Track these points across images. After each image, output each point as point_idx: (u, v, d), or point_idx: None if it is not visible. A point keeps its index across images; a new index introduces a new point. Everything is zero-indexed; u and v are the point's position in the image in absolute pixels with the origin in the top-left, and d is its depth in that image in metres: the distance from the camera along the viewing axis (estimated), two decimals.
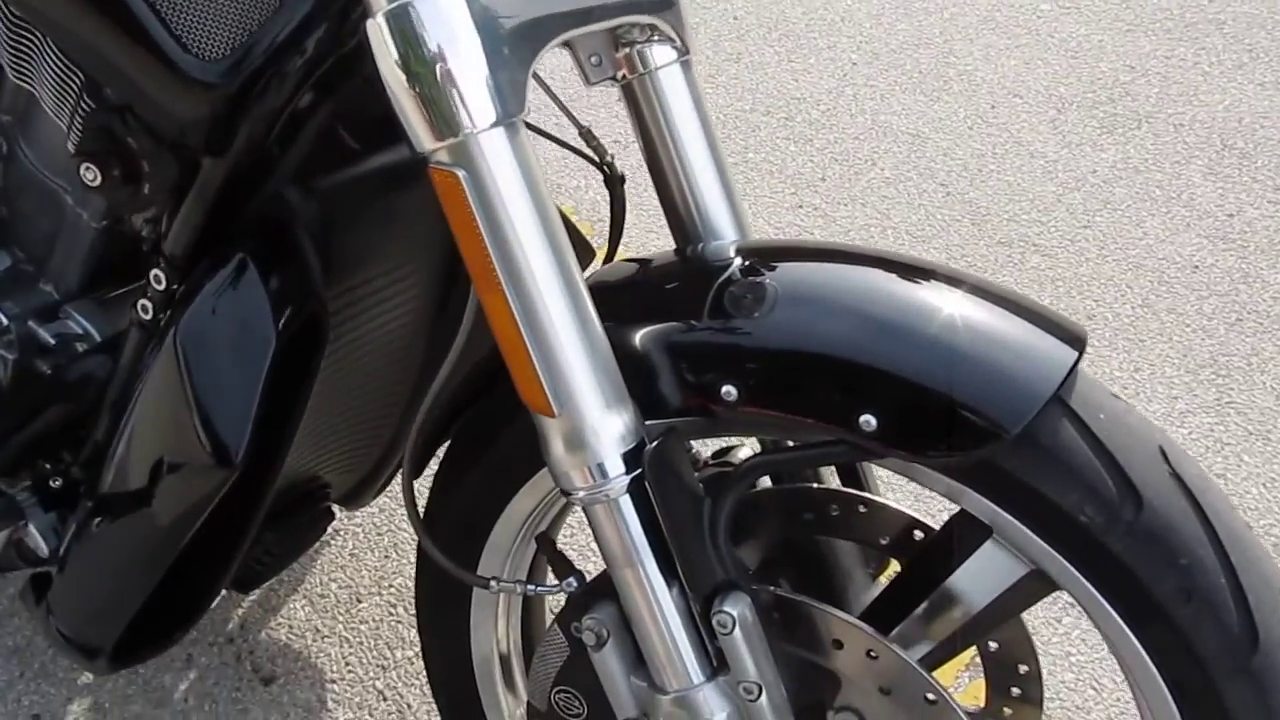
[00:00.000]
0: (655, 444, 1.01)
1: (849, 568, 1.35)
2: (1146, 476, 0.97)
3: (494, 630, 1.39)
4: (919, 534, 1.26)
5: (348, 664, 1.86)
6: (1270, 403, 2.40)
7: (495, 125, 0.93)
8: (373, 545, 2.05)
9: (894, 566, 1.37)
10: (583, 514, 1.04)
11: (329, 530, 1.72)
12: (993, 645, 1.20)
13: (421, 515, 1.20)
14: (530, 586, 1.18)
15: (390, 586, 1.98)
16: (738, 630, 1.02)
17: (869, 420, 0.96)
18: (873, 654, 1.07)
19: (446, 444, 1.26)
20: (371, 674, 1.85)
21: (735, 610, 1.02)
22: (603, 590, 1.13)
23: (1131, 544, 0.96)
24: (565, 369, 0.97)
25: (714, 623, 1.03)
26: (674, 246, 1.21)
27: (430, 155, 0.94)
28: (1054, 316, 1.02)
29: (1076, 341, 0.99)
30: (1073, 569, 0.99)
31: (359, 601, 1.95)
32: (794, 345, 1.00)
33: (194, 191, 1.15)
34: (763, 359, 1.01)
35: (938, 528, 1.24)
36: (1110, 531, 0.96)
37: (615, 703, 1.12)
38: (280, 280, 1.15)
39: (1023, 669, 1.28)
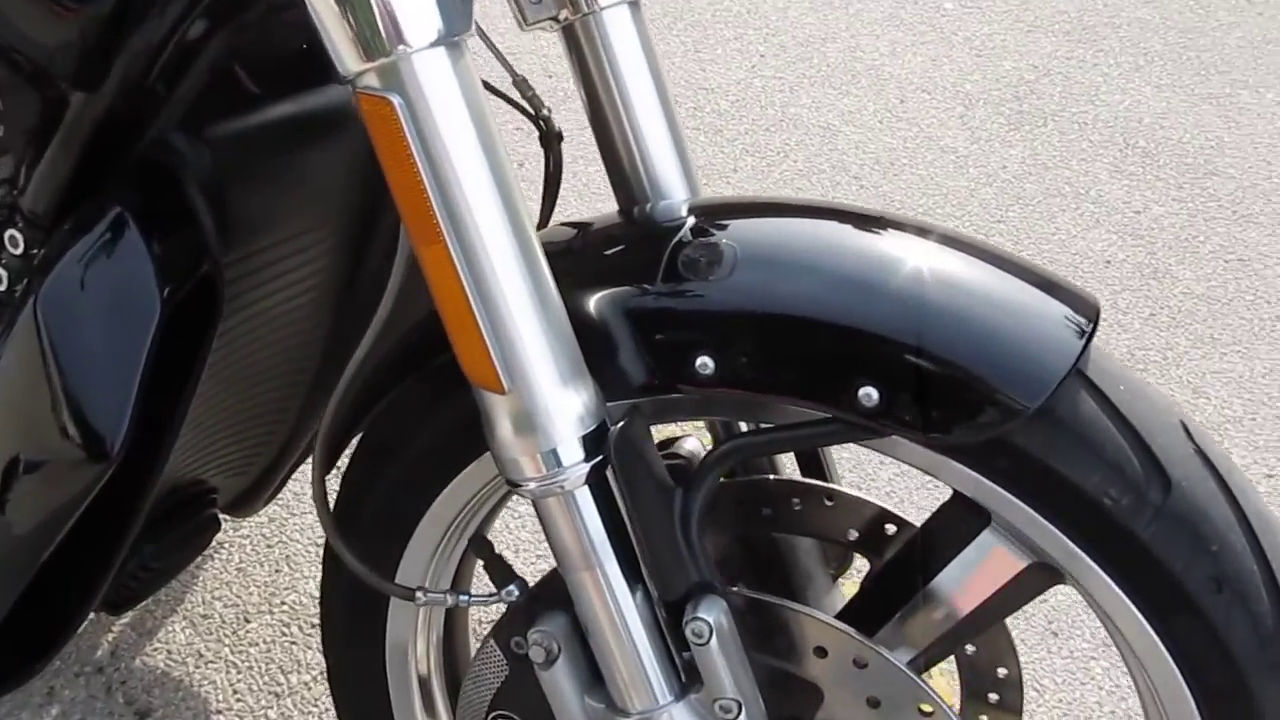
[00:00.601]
0: (621, 425, 0.87)
1: (809, 568, 1.23)
2: (1172, 454, 0.87)
3: (412, 648, 1.23)
4: (891, 528, 1.15)
5: (235, 692, 1.67)
6: (1186, 396, 2.38)
7: (436, 44, 0.78)
8: (262, 559, 1.85)
9: (857, 566, 1.25)
10: (519, 508, 0.90)
11: (213, 542, 1.53)
12: (969, 648, 1.09)
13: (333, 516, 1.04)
14: (464, 597, 1.03)
15: (282, 604, 1.79)
16: (714, 640, 0.89)
17: (869, 394, 0.84)
18: (860, 662, 0.95)
19: (361, 434, 1.10)
20: (263, 703, 1.66)
21: (711, 617, 0.89)
22: (550, 598, 0.98)
23: (1160, 529, 0.85)
24: (517, 335, 0.83)
25: (687, 632, 0.89)
26: (617, 208, 1.08)
27: (357, 80, 0.79)
28: (1063, 282, 0.91)
29: (1090, 309, 0.88)
30: (1086, 558, 0.88)
31: (247, 622, 1.76)
32: (777, 308, 0.87)
33: (60, 135, 0.97)
34: (741, 325, 0.87)
35: (913, 521, 1.13)
36: (1137, 515, 0.85)
37: None
38: (166, 241, 0.97)
39: (1001, 673, 1.18)
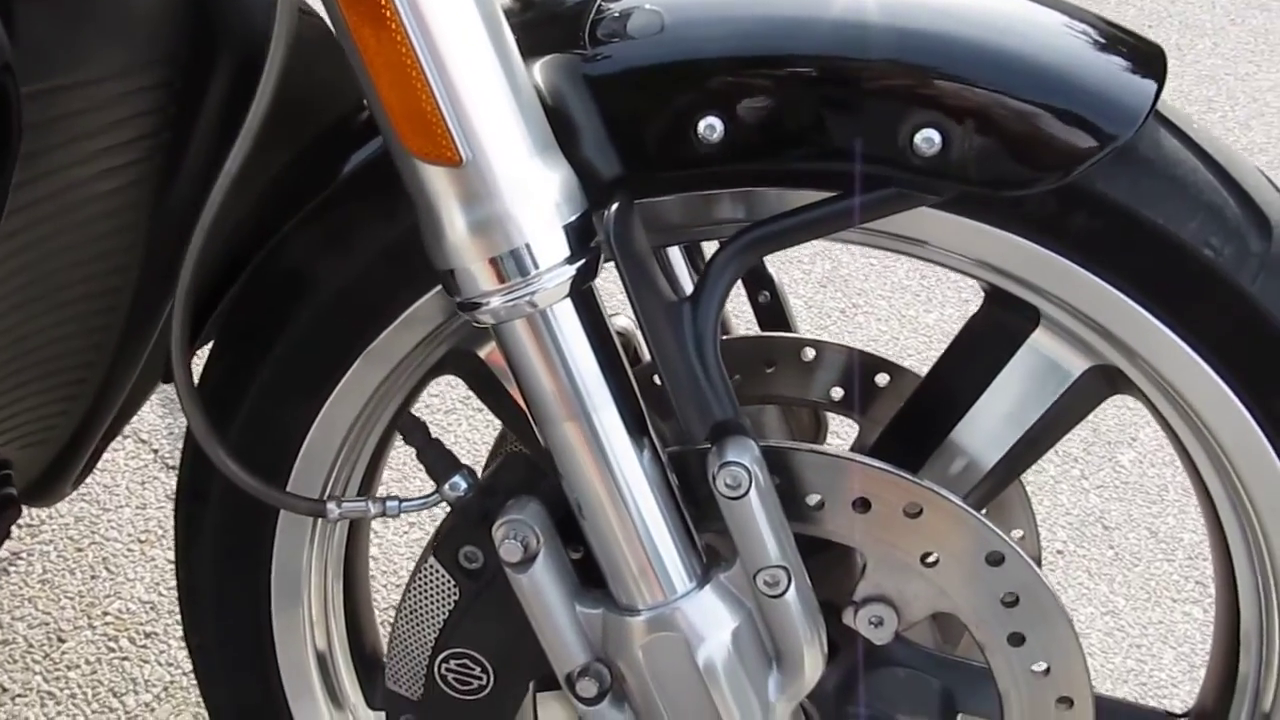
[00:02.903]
0: (616, 208, 0.65)
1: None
2: (1266, 196, 0.73)
3: (304, 619, 0.96)
4: (884, 378, 0.97)
5: None
6: None
7: None
8: (72, 566, 1.52)
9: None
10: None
11: (8, 535, 1.21)
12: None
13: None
14: (393, 502, 0.78)
15: (105, 615, 1.46)
16: (754, 490, 0.68)
17: (930, 138, 0.65)
18: (911, 510, 0.76)
19: (230, 307, 0.84)
20: None
21: (746, 460, 0.68)
22: (511, 486, 0.75)
23: (1267, 281, 0.71)
24: (476, 83, 0.60)
25: (719, 484, 0.68)
26: None
27: None
28: (1126, 29, 0.75)
29: (1157, 54, 0.72)
30: (1172, 336, 0.73)
31: (62, 642, 1.43)
32: (788, 45, 0.68)
33: None
34: (755, 68, 0.67)
35: (905, 366, 0.96)
36: (1242, 267, 0.70)
37: (553, 650, 0.74)
38: None
39: (1017, 534, 1.02)
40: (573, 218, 0.64)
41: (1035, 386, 0.81)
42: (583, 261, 0.64)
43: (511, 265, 0.63)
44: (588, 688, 0.74)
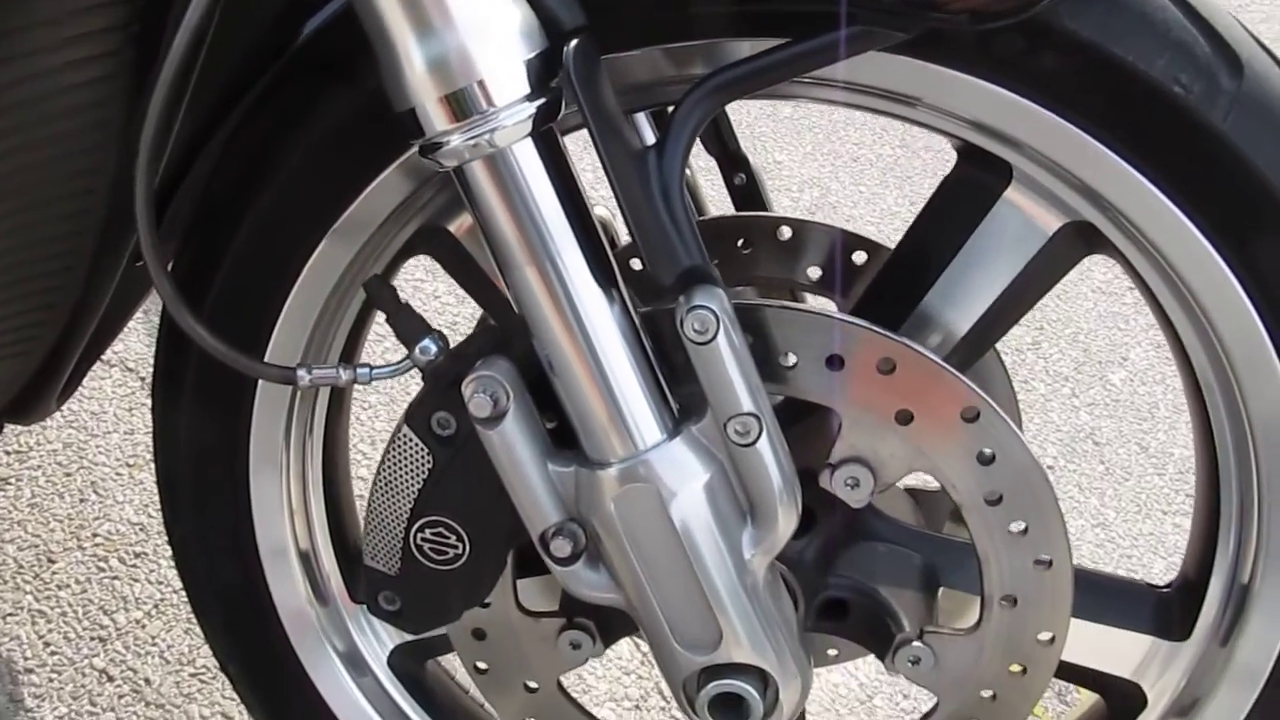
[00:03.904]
0: (577, 46, 0.64)
1: None
2: (1235, 35, 0.72)
3: (283, 507, 0.96)
4: (862, 256, 0.97)
5: (48, 644, 1.34)
6: None
7: None
8: (61, 490, 1.52)
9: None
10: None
11: None
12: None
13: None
14: (363, 369, 0.78)
15: (94, 537, 1.46)
16: (722, 334, 0.68)
17: None
18: (885, 366, 0.76)
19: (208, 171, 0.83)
20: (87, 651, 1.34)
21: (714, 304, 0.68)
22: (484, 348, 0.75)
23: (1239, 119, 0.70)
24: None
25: (687, 328, 0.68)
26: None
27: None
28: None
29: None
30: (1144, 182, 0.72)
31: (52, 563, 1.43)
32: None
33: None
34: None
35: (882, 243, 0.95)
36: (1212, 104, 0.69)
37: (526, 509, 0.74)
38: None
39: None
40: (531, 54, 0.63)
41: (1010, 246, 0.80)
42: (543, 100, 0.64)
43: (469, 101, 0.62)
44: (561, 547, 0.73)
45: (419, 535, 0.80)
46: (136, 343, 1.71)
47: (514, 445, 0.72)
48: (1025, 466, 0.78)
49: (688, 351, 0.69)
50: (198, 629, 1.11)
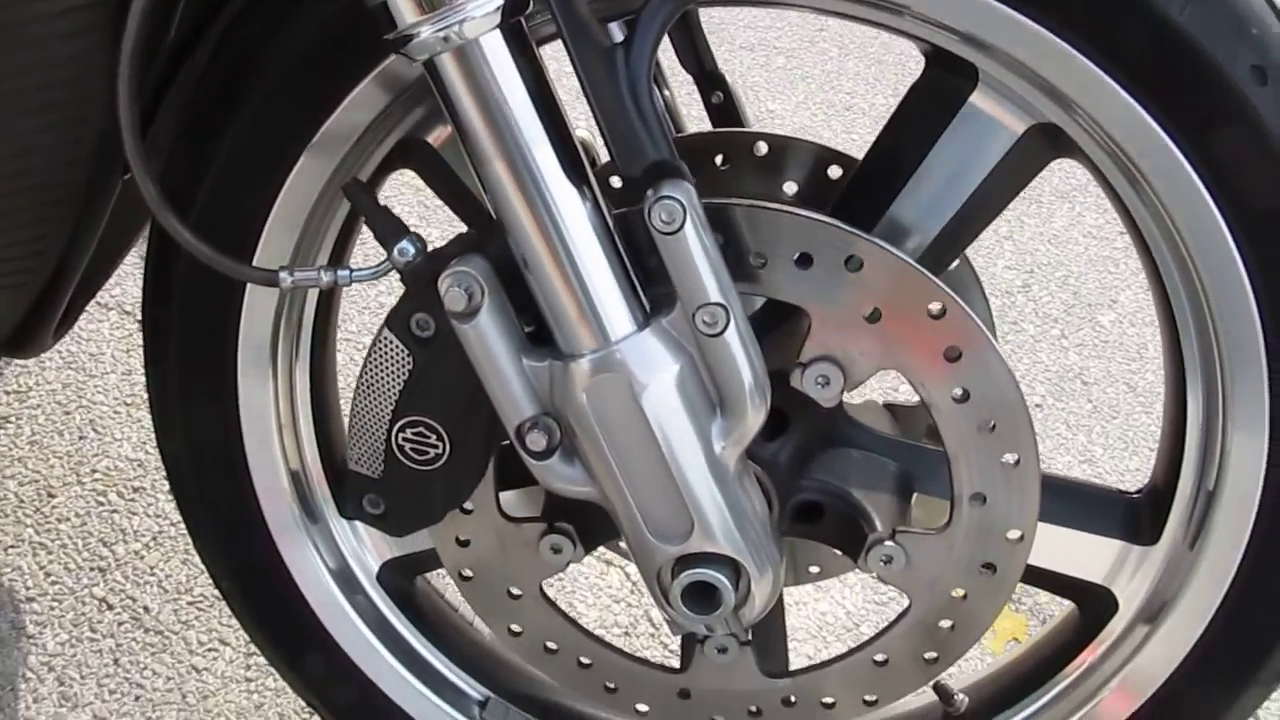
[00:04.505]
0: None
1: None
2: None
3: (272, 423, 0.98)
4: (837, 171, 0.98)
5: (50, 574, 1.37)
6: None
7: None
8: (60, 428, 1.54)
9: None
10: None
11: None
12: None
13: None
14: (344, 272, 0.80)
15: (93, 473, 1.49)
16: (689, 223, 0.69)
17: None
18: (854, 263, 0.78)
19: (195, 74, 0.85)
20: (86, 580, 1.37)
21: (681, 195, 0.69)
22: (458, 247, 0.77)
23: (1194, 11, 0.71)
24: None
25: (654, 218, 0.69)
26: None
27: None
28: None
29: None
30: (1103, 77, 0.73)
31: (52, 497, 1.46)
32: None
33: None
34: None
35: (858, 158, 0.96)
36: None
37: (502, 403, 0.76)
38: None
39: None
40: None
41: (976, 150, 0.81)
42: None
43: None
44: (537, 440, 0.75)
45: (400, 436, 0.82)
46: (133, 287, 1.73)
47: (489, 339, 0.74)
48: (992, 364, 0.80)
49: (656, 243, 0.70)
50: (195, 560, 1.13)
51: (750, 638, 0.92)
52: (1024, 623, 1.44)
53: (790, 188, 0.98)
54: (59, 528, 1.42)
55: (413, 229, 0.77)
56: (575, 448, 0.76)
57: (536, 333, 0.77)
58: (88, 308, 1.67)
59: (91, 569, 1.38)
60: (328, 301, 0.98)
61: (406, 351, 0.80)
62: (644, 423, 0.73)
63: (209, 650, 1.31)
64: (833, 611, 1.43)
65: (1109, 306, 1.97)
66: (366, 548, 1.06)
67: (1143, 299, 1.96)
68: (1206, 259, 0.79)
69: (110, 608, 1.34)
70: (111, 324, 1.69)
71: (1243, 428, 0.84)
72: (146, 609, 1.34)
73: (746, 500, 0.78)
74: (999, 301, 1.95)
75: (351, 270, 0.80)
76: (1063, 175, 2.25)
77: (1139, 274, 1.94)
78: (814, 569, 1.16)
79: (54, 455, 1.50)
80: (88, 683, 1.27)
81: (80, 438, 1.53)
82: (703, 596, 0.78)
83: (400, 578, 1.08)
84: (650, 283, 0.75)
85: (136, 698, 1.26)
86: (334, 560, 1.05)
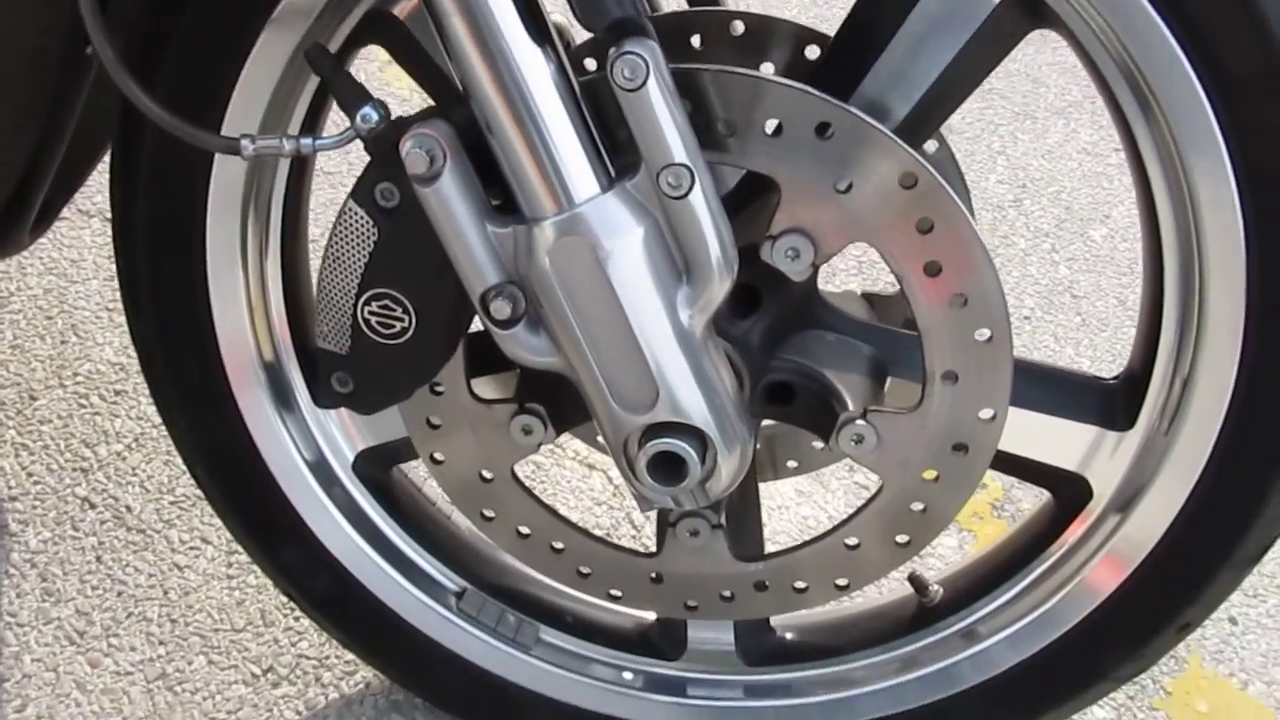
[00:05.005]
0: None
1: None
2: None
3: (242, 306, 0.97)
4: (815, 50, 0.96)
5: (32, 475, 1.37)
6: (1028, 86, 2.29)
7: None
8: (42, 332, 1.54)
9: None
10: None
11: None
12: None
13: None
14: (307, 141, 0.78)
15: (75, 376, 1.49)
16: (652, 79, 0.68)
17: None
18: (824, 129, 0.76)
19: None
20: (69, 481, 1.37)
21: (645, 51, 0.68)
22: (422, 114, 0.75)
23: None
24: None
25: (616, 75, 0.68)
26: None
27: None
28: None
29: None
30: None
31: (34, 399, 1.45)
32: None
33: None
34: None
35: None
36: None
37: (465, 270, 0.75)
38: None
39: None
40: None
41: (953, 19, 0.80)
42: None
43: None
44: (501, 309, 0.75)
45: (366, 310, 0.81)
46: None
47: (451, 203, 0.73)
48: (965, 237, 0.79)
49: (619, 101, 0.69)
50: (178, 461, 1.13)
51: (722, 521, 0.92)
52: (1005, 529, 1.44)
53: (768, 68, 0.96)
54: (41, 429, 1.42)
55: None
56: (540, 316, 0.76)
57: (505, 206, 0.76)
58: (69, 215, 1.66)
59: (74, 469, 1.38)
60: (299, 184, 0.96)
61: (371, 222, 0.79)
62: (608, 287, 0.72)
63: (190, 548, 1.31)
64: (815, 515, 1.44)
65: (1101, 221, 1.95)
66: (342, 438, 1.06)
67: (1135, 215, 1.94)
68: (1188, 133, 0.77)
69: (93, 507, 1.35)
70: (94, 231, 1.68)
71: (1219, 308, 0.83)
72: (129, 508, 1.35)
73: (714, 371, 0.77)
74: (990, 215, 1.93)
75: (315, 138, 0.79)
76: (1058, 91, 2.22)
77: (1132, 190, 1.92)
78: (792, 463, 1.16)
79: (36, 359, 1.50)
80: (70, 579, 1.27)
81: (62, 342, 1.52)
82: (669, 467, 0.78)
83: (376, 468, 1.07)
84: (619, 154, 0.74)
85: (119, 593, 1.27)
86: (309, 449, 1.04)
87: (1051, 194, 1.99)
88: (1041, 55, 2.32)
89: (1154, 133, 0.80)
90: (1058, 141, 2.12)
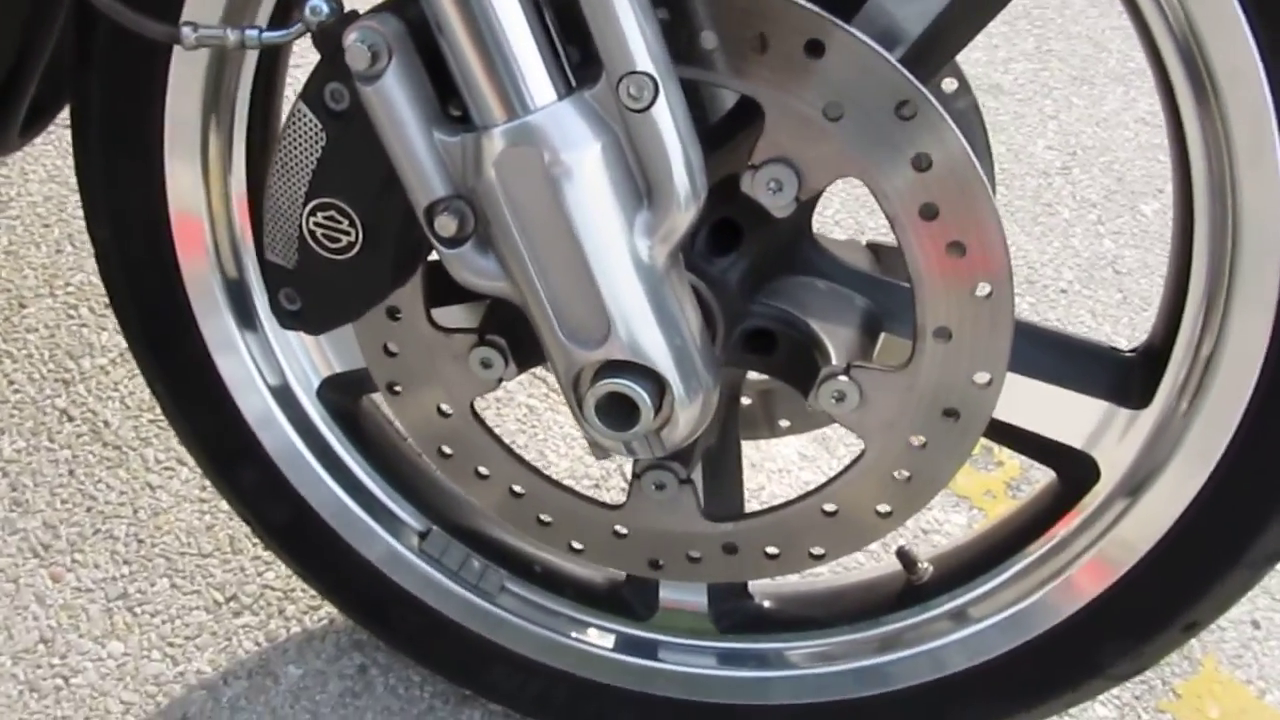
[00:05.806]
0: None
1: None
2: None
3: (204, 216, 0.92)
4: None
5: (13, 383, 1.34)
6: (1088, 50, 2.17)
7: None
8: (38, 240, 1.50)
9: None
10: None
11: None
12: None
13: None
14: (253, 32, 0.72)
15: (67, 285, 1.45)
16: None
17: None
18: (815, 51, 0.69)
19: None
20: (50, 391, 1.34)
21: None
22: (374, 10, 0.69)
23: None
24: None
25: None
26: None
27: None
28: None
29: None
30: None
31: (23, 307, 1.42)
32: None
33: None
34: None
35: None
36: None
37: (410, 180, 0.68)
38: None
39: None
40: None
41: None
42: None
43: None
44: (446, 225, 0.68)
45: (311, 220, 0.75)
46: None
47: (395, 104, 0.66)
48: (966, 177, 0.71)
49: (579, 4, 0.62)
50: None
51: (690, 476, 0.86)
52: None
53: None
54: (27, 337, 1.39)
55: None
56: (489, 236, 0.69)
57: (465, 118, 0.69)
58: None
59: (55, 380, 1.35)
60: (269, 87, 0.91)
61: (320, 126, 0.73)
62: (558, 205, 0.65)
63: (165, 469, 1.27)
64: (817, 481, 1.36)
65: (1154, 196, 1.85)
66: (306, 362, 1.01)
67: None
68: (1229, 72, 0.69)
69: (70, 419, 1.31)
70: None
71: (1251, 279, 0.75)
72: (106, 423, 1.31)
73: (676, 309, 0.70)
74: (1035, 181, 1.83)
75: (261, 30, 0.72)
76: (1120, 57, 2.10)
77: None
78: (784, 423, 1.09)
79: (29, 265, 1.46)
80: (40, 490, 1.24)
81: (57, 251, 1.49)
82: (620, 411, 0.71)
83: (343, 396, 1.02)
84: (588, 66, 0.67)
85: (88, 509, 1.23)
86: (271, 372, 0.99)
87: (1103, 164, 1.89)
88: (1106, 19, 2.20)
89: (1194, 83, 0.72)
90: (1114, 109, 2.00)
